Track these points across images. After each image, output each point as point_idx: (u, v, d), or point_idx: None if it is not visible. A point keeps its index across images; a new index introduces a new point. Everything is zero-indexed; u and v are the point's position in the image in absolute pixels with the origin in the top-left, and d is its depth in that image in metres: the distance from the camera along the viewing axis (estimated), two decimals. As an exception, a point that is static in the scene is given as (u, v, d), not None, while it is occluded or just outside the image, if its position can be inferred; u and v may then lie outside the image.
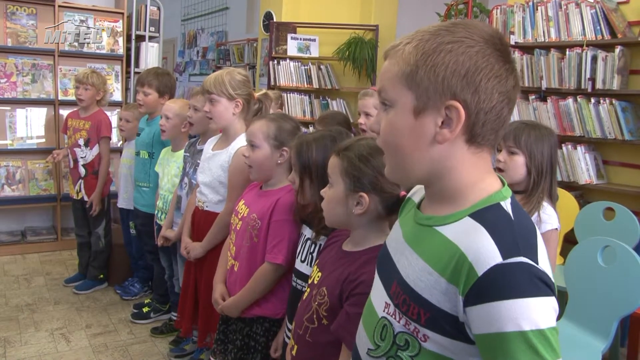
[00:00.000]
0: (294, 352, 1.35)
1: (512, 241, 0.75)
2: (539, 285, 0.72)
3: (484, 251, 0.74)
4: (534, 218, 1.83)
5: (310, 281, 1.38)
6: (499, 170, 1.94)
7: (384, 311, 0.88)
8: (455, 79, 0.76)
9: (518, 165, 1.87)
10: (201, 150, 2.47)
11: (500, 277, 0.72)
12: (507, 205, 0.81)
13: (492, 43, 0.78)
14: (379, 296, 0.92)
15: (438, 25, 0.80)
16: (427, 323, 0.79)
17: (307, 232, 1.63)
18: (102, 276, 3.54)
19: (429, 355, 0.81)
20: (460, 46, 0.76)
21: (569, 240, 2.79)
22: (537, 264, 0.74)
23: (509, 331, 0.71)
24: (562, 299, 2.36)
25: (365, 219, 1.25)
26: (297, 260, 1.64)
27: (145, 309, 3.11)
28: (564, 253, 2.52)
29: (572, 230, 2.83)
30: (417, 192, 0.98)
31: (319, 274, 1.34)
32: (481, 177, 0.83)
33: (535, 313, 0.71)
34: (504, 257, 0.72)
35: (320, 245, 1.55)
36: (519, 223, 0.79)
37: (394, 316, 0.85)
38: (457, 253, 0.76)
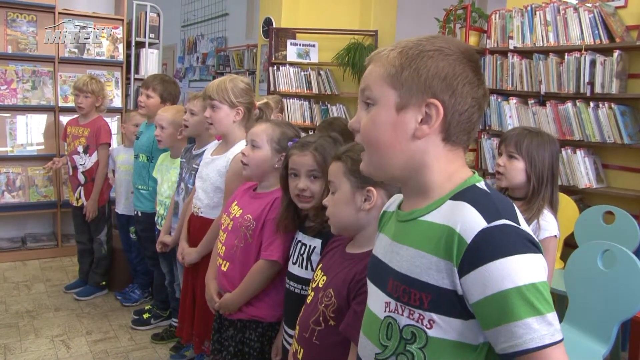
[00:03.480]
0: (300, 356, 1.35)
1: (493, 208, 0.81)
2: (525, 243, 0.78)
3: (469, 220, 0.80)
4: (533, 225, 1.83)
5: (314, 285, 1.40)
6: (498, 174, 1.95)
7: (385, 311, 0.90)
8: (436, 80, 0.85)
9: (517, 170, 1.88)
10: (197, 156, 2.47)
11: (487, 240, 0.78)
12: (482, 185, 0.89)
13: (467, 55, 0.87)
14: (376, 301, 0.95)
15: (418, 37, 0.89)
16: (430, 306, 0.83)
17: (300, 235, 1.66)
18: (104, 283, 3.54)
19: (437, 344, 0.83)
20: (440, 54, 0.85)
21: (569, 245, 2.79)
22: (520, 226, 0.80)
23: (504, 289, 0.76)
24: (563, 303, 2.36)
25: (373, 214, 1.27)
26: (289, 263, 1.67)
27: (145, 315, 3.11)
28: (564, 257, 2.52)
29: (572, 235, 2.83)
30: (392, 204, 1.04)
31: (324, 277, 1.36)
32: (456, 170, 0.90)
33: (526, 268, 0.76)
34: (488, 221, 0.79)
35: (310, 246, 1.59)
36: (496, 196, 0.86)
37: (396, 311, 0.88)
38: (445, 230, 0.82)
